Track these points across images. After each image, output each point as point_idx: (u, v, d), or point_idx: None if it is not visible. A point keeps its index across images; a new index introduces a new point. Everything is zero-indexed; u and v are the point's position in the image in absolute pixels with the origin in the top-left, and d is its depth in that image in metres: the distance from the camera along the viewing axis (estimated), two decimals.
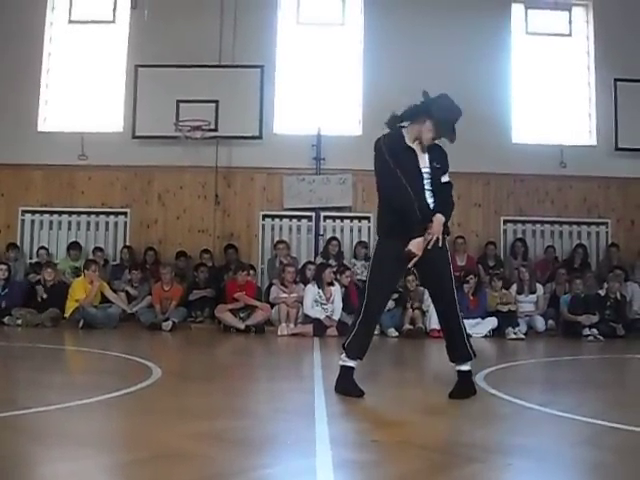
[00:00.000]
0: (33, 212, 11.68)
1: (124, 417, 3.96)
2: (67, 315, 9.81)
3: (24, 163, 11.51)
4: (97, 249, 11.23)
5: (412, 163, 4.49)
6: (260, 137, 11.30)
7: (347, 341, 4.59)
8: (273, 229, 11.62)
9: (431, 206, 4.49)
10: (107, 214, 11.68)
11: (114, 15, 12.11)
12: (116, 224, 11.70)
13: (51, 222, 11.71)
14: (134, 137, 11.38)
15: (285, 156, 11.28)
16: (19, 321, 9.69)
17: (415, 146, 4.54)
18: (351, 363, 4.57)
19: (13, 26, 11.56)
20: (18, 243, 11.43)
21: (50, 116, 11.90)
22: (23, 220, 11.67)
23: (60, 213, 11.68)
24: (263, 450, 3.29)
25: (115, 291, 10.30)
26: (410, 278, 9.90)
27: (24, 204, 11.63)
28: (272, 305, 9.88)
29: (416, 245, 4.33)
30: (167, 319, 9.72)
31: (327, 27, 12.20)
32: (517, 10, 12.15)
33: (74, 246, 11.25)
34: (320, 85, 11.86)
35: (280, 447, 3.39)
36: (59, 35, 12.11)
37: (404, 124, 4.60)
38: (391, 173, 4.42)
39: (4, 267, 10.29)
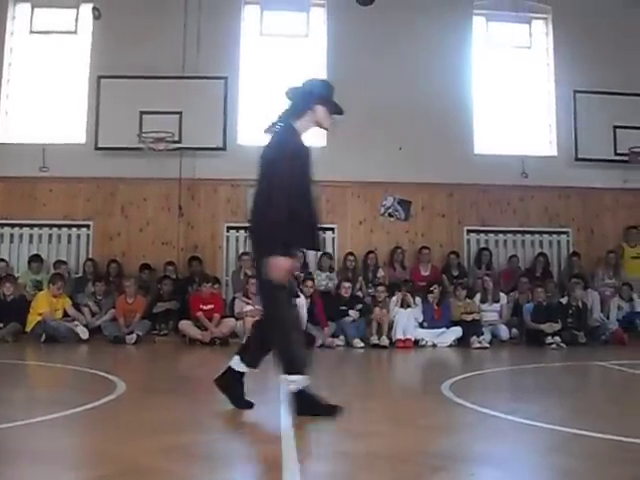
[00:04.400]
0: None
1: (89, 432, 3.90)
2: (28, 329, 9.66)
3: None
4: (59, 262, 11.07)
5: (308, 166, 4.42)
6: (224, 148, 11.28)
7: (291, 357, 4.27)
8: (238, 241, 11.57)
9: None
10: (69, 227, 11.53)
11: (76, 26, 12.01)
12: (79, 236, 11.55)
13: (11, 235, 11.51)
14: (97, 148, 11.28)
15: (249, 167, 11.18)
16: None
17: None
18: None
19: None
20: None
21: (11, 127, 11.75)
22: None
23: (21, 226, 11.50)
24: (230, 464, 3.27)
25: (78, 304, 10.17)
26: (380, 289, 9.98)
27: None
28: (236, 318, 9.85)
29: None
30: (131, 332, 9.63)
31: (291, 38, 12.26)
32: (478, 22, 12.35)
33: (35, 259, 11.08)
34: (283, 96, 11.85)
35: (247, 461, 3.38)
36: (20, 45, 11.98)
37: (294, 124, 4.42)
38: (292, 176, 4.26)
39: None
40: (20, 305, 9.95)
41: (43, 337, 9.44)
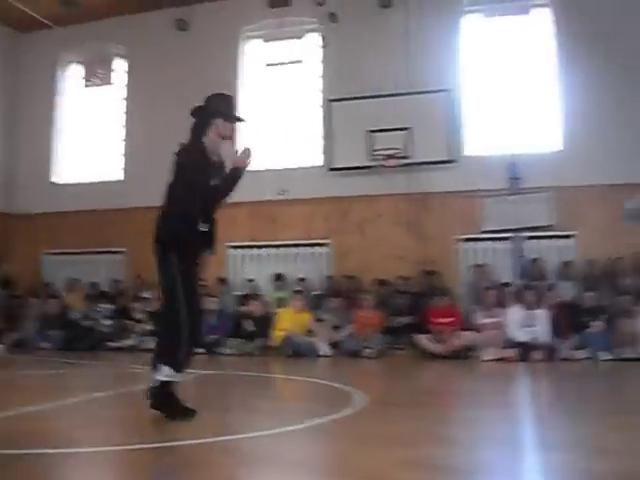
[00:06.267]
0: (239, 247, 12.35)
1: (331, 443, 4.01)
2: (274, 344, 10.21)
3: (230, 201, 12.19)
4: (300, 279, 11.63)
5: (207, 174, 4.57)
6: (453, 160, 11.20)
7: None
8: (471, 252, 11.40)
9: None
10: (309, 245, 12.07)
11: (304, 55, 12.65)
12: (318, 255, 12.05)
13: (258, 255, 12.30)
14: (330, 169, 11.73)
15: (479, 178, 11.07)
16: (231, 350, 10.24)
17: (213, 156, 4.65)
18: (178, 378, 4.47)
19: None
20: (226, 277, 12.13)
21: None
22: (230, 255, 12.37)
23: (265, 247, 12.25)
24: (469, 478, 3.20)
25: (318, 320, 10.57)
26: (627, 297, 9.35)
27: (229, 239, 12.34)
28: (475, 330, 9.68)
29: None
30: (369, 346, 9.82)
31: (513, 44, 11.89)
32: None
33: (278, 277, 11.74)
34: (511, 103, 11.57)
35: (486, 476, 3.28)
36: (252, 78, 12.92)
37: (203, 140, 4.63)
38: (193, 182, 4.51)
39: (215, 300, 10.93)
40: (266, 321, 10.56)
41: (288, 351, 9.94)
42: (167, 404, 4.40)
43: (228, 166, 4.70)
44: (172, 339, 4.42)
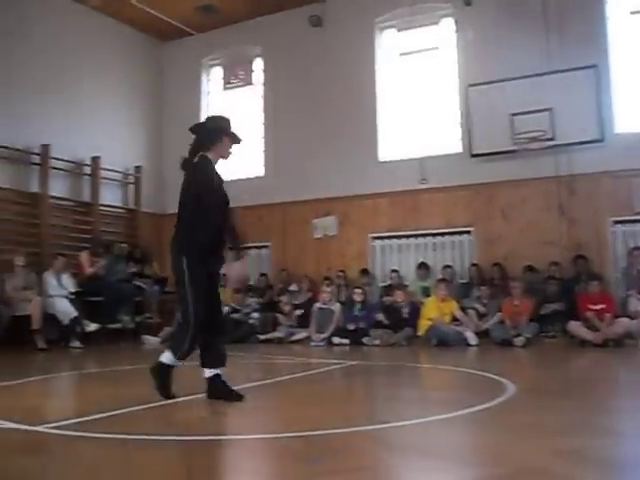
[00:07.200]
0: (381, 238, 12.39)
1: (481, 432, 3.94)
2: (420, 333, 10.17)
3: (368, 193, 12.34)
4: (446, 266, 11.53)
5: (221, 188, 4.92)
6: (601, 140, 10.68)
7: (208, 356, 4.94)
8: (626, 235, 10.82)
9: None
10: (451, 234, 11.92)
11: (438, 41, 12.50)
12: (461, 243, 11.88)
13: (399, 245, 12.30)
14: (472, 156, 11.52)
15: (631, 156, 10.47)
16: (376, 341, 10.30)
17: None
18: (218, 370, 4.92)
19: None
20: (370, 268, 12.20)
21: (389, 146, 12.59)
22: (373, 246, 12.44)
23: (407, 236, 12.21)
24: (629, 471, 3.04)
25: (465, 309, 10.42)
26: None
27: (372, 230, 12.42)
28: (631, 317, 9.21)
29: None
30: (519, 334, 9.57)
31: None
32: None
33: (422, 267, 11.68)
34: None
35: None
36: (388, 68, 12.90)
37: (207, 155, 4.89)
38: (215, 191, 4.81)
39: (359, 291, 11.02)
40: (412, 311, 10.54)
41: (434, 341, 9.87)
42: (161, 386, 4.92)
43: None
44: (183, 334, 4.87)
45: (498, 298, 10.51)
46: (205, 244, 4.79)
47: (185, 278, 4.78)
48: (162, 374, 4.91)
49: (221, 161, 5.04)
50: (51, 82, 12.13)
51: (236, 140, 5.09)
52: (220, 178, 4.97)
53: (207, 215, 4.74)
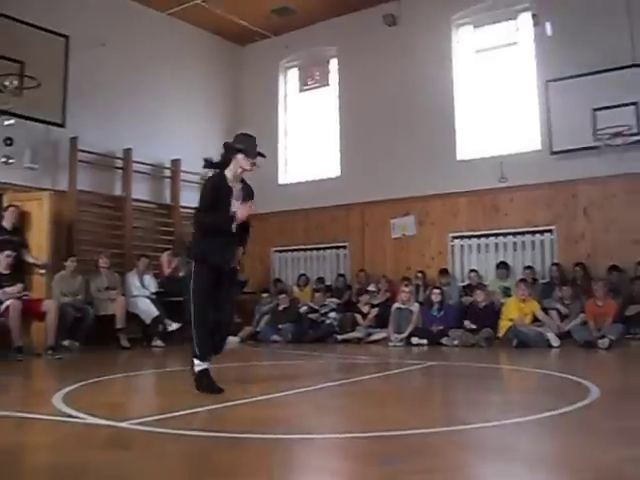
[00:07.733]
0: (461, 237, 12.27)
1: (562, 436, 3.86)
2: (500, 334, 10.02)
3: (447, 192, 12.23)
4: (527, 267, 11.32)
5: (227, 199, 5.38)
6: None
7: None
8: None
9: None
10: (532, 233, 11.68)
11: (516, 36, 12.25)
12: (542, 242, 11.63)
13: (478, 245, 12.14)
14: (552, 153, 11.27)
15: None
16: (455, 342, 10.20)
17: (234, 184, 5.47)
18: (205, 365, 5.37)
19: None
20: (449, 268, 12.09)
21: (468, 145, 12.43)
22: (452, 245, 12.33)
23: (486, 236, 12.05)
24: None
25: (546, 309, 10.21)
26: None
27: (451, 230, 12.30)
28: None
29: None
30: (603, 336, 9.31)
31: None
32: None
33: (502, 266, 11.50)
34: None
35: None
36: (464, 65, 12.75)
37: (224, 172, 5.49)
38: (212, 206, 5.33)
39: (437, 291, 10.94)
40: (491, 312, 10.39)
41: (514, 342, 9.71)
42: (203, 386, 5.32)
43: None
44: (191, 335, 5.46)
45: (580, 299, 10.24)
46: (207, 251, 5.33)
47: (190, 281, 5.37)
48: (201, 380, 5.34)
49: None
50: (133, 88, 12.49)
51: (250, 156, 5.46)
52: (230, 190, 5.43)
53: (207, 227, 5.39)
